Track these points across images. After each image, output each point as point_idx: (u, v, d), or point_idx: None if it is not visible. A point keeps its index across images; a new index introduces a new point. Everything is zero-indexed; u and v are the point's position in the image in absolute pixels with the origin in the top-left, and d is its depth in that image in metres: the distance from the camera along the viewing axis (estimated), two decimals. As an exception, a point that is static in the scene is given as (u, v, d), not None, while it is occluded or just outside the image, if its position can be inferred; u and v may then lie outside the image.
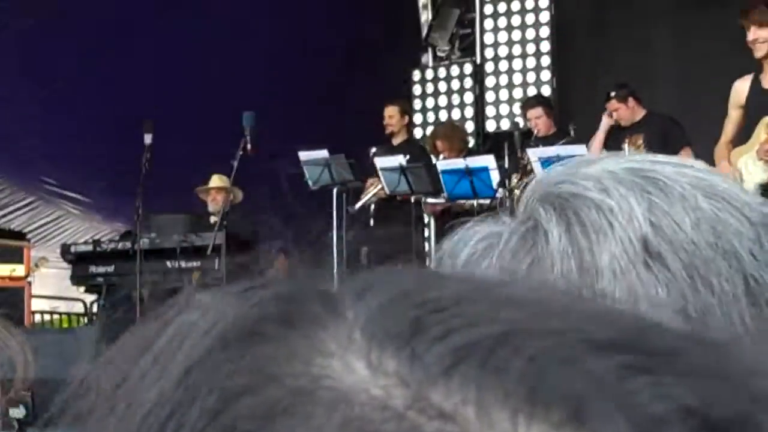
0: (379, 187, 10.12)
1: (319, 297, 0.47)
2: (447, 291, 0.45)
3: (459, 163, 9.55)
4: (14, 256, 9.78)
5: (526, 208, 0.98)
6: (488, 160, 9.59)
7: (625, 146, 9.02)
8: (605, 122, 9.47)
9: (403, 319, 0.44)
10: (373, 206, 10.57)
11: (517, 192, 9.41)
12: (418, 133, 12.35)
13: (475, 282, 0.51)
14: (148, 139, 8.95)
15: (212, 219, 10.49)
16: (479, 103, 12.35)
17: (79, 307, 13.38)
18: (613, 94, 9.58)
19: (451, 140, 10.42)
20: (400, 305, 0.45)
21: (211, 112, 12.87)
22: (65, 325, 14.57)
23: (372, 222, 10.67)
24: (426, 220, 11.81)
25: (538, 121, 9.95)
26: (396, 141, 10.79)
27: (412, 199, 10.26)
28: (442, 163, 9.86)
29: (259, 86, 12.99)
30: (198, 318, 0.48)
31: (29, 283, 10.67)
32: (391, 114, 10.77)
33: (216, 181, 10.71)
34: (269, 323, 0.46)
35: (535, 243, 0.95)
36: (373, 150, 10.81)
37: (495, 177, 9.37)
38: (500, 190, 9.39)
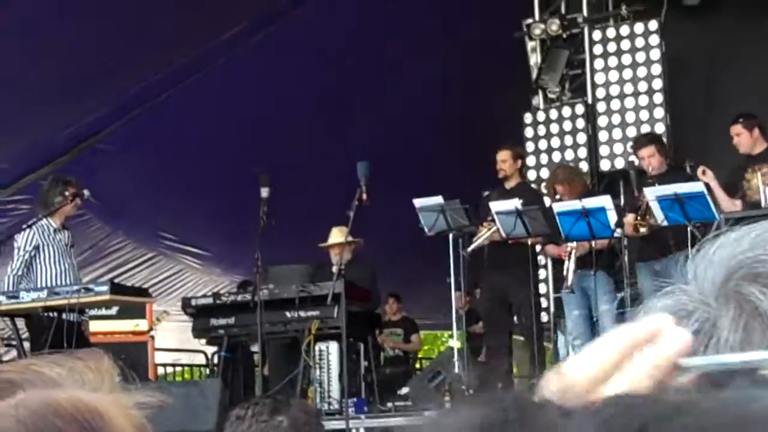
0: (493, 229, 10.10)
1: (550, 404, 0.54)
2: (669, 400, 0.49)
3: (575, 204, 9.49)
4: (138, 311, 9.95)
5: (724, 287, 0.82)
6: (605, 201, 9.52)
7: (758, 176, 9.00)
8: (711, 178, 9.34)
9: (630, 425, 0.47)
10: (486, 249, 10.55)
11: (642, 230, 9.34)
12: (531, 175, 12.31)
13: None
14: (264, 192, 9.07)
15: (333, 268, 10.57)
16: (592, 143, 12.26)
17: (200, 359, 13.58)
18: (741, 119, 9.51)
19: (572, 184, 10.32)
20: (626, 413, 0.51)
21: (326, 163, 13.02)
22: (187, 376, 14.78)
23: (486, 265, 10.66)
24: (543, 261, 11.75)
25: (652, 159, 9.84)
26: (509, 184, 10.77)
27: (529, 242, 10.21)
28: (558, 205, 9.81)
29: (371, 135, 13.10)
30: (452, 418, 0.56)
31: (152, 338, 10.85)
32: (504, 158, 10.75)
33: (337, 235, 10.76)
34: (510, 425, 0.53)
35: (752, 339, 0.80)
36: (486, 193, 10.80)
37: (612, 217, 9.32)
38: (618, 230, 9.33)
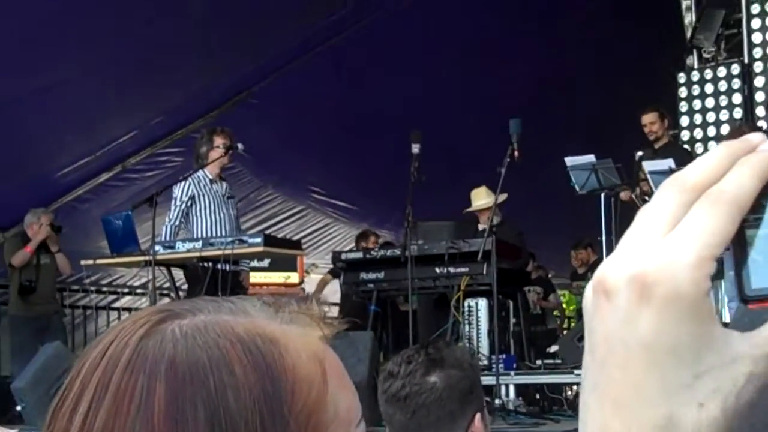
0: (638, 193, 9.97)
1: None
2: None
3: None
4: (289, 263, 10.07)
5: None
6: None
7: None
8: None
9: None
10: (639, 210, 10.39)
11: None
12: (684, 135, 12.09)
13: None
14: (415, 148, 9.07)
15: (480, 226, 10.56)
16: (748, 104, 11.97)
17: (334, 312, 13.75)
18: None
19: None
20: None
21: (477, 120, 12.98)
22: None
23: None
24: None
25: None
26: (658, 144, 10.59)
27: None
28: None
29: (522, 92, 13.01)
30: None
31: (303, 290, 10.99)
32: (652, 120, 10.58)
33: (480, 198, 10.72)
34: None
35: None
36: (639, 154, 10.65)
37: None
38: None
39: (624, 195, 10.15)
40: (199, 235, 9.41)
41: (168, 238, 9.47)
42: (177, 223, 9.58)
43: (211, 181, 9.63)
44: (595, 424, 0.64)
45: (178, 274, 9.73)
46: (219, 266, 8.98)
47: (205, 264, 9.16)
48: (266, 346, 1.01)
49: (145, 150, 13.58)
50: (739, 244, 0.64)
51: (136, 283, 13.81)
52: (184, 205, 9.56)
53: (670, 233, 0.63)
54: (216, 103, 13.60)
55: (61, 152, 12.75)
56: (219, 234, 9.42)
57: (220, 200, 9.65)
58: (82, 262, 10.10)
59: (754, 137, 0.66)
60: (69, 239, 11.77)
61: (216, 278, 8.86)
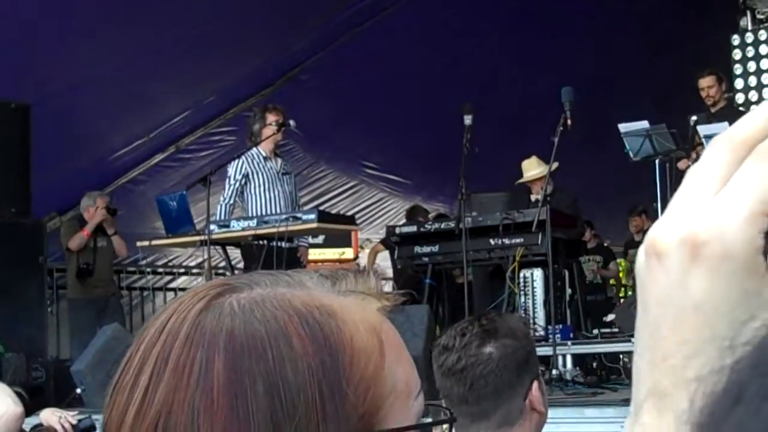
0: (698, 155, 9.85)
1: None
2: None
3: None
4: (343, 239, 10.11)
5: None
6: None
7: None
8: None
9: None
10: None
11: None
12: (739, 98, 11.94)
13: None
14: (468, 120, 9.02)
15: (532, 197, 10.51)
16: (803, 64, 11.81)
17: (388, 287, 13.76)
18: None
19: None
20: None
21: (528, 90, 12.91)
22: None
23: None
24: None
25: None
26: (714, 108, 10.46)
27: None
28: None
29: (575, 59, 12.92)
30: None
31: (357, 265, 10.99)
32: (710, 84, 10.46)
33: (532, 168, 10.66)
34: None
35: None
36: (694, 118, 10.52)
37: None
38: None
39: (682, 164, 10.04)
40: (255, 213, 9.44)
41: (223, 217, 9.51)
42: (231, 201, 9.62)
43: (265, 158, 9.66)
44: (649, 387, 0.64)
45: (234, 252, 9.77)
46: (274, 243, 9.00)
47: (260, 242, 9.19)
48: (324, 319, 1.01)
49: (198, 130, 13.66)
50: None
51: (192, 263, 13.90)
52: (238, 184, 9.59)
53: (721, 192, 0.62)
54: (267, 81, 13.63)
55: (115, 135, 12.85)
56: (274, 211, 9.44)
57: (274, 177, 9.67)
58: (138, 244, 10.18)
59: None
60: (124, 221, 11.87)
61: (272, 256, 8.88)
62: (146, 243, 10.07)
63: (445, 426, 1.17)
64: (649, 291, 0.64)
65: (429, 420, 1.14)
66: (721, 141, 0.64)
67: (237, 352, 0.98)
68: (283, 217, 9.04)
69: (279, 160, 9.82)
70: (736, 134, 0.64)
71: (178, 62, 11.90)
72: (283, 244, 9.04)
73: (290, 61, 13.61)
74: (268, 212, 9.42)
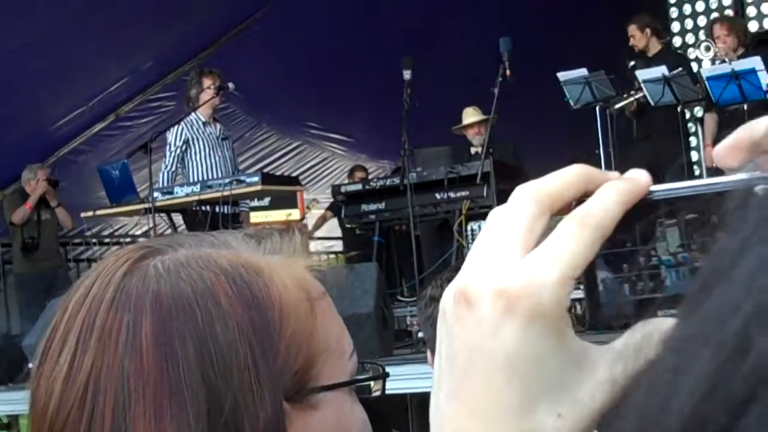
0: (639, 95, 9.91)
1: None
2: None
3: (724, 68, 9.23)
4: (289, 201, 10.03)
5: None
6: (755, 62, 9.20)
7: None
8: None
9: None
10: (635, 122, 10.35)
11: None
12: (676, 41, 12.01)
13: None
14: (407, 75, 9.00)
15: (472, 150, 10.53)
16: (739, 4, 11.88)
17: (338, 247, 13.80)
18: None
19: (732, 26, 9.92)
20: None
21: (466, 42, 12.88)
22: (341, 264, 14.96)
23: (635, 135, 10.46)
24: (693, 129, 11.50)
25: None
26: (651, 52, 10.49)
27: (678, 109, 9.97)
28: (706, 69, 9.56)
29: (513, 10, 12.89)
30: None
31: (305, 226, 10.98)
32: (631, 33, 10.45)
33: (470, 115, 10.71)
34: None
35: None
36: (632, 63, 10.56)
37: (764, 78, 9.02)
38: (771, 90, 9.05)
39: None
40: (196, 179, 9.39)
41: (166, 184, 9.45)
42: (173, 168, 9.56)
43: (204, 124, 9.59)
44: (451, 428, 0.65)
45: (179, 219, 9.72)
46: (218, 209, 8.96)
47: (205, 207, 9.15)
48: (251, 277, 1.01)
49: (137, 97, 13.53)
50: (590, 270, 0.66)
51: (138, 232, 13.80)
52: (178, 150, 9.53)
53: (536, 250, 0.64)
54: (204, 44, 13.50)
55: (53, 106, 12.69)
56: (216, 176, 9.39)
57: (215, 142, 9.61)
58: (83, 215, 10.10)
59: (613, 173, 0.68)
60: (67, 192, 11.76)
61: (216, 221, 8.84)
62: (90, 213, 10.00)
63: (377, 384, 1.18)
64: (457, 336, 0.65)
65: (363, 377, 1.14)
66: (527, 192, 0.67)
67: (164, 314, 0.98)
68: (227, 180, 9.00)
69: (218, 125, 9.76)
70: (543, 187, 0.67)
71: (112, 28, 11.74)
72: (227, 209, 9.00)
73: (227, 23, 13.49)
74: (211, 177, 9.37)
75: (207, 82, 9.54)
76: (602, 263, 0.66)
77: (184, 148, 9.53)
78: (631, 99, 10.04)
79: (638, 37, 10.45)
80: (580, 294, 0.68)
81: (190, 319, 0.98)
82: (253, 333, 0.98)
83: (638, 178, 0.67)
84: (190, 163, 9.54)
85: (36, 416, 1.02)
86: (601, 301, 0.68)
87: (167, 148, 9.60)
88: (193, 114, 9.56)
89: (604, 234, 0.65)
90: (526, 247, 0.65)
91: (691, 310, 0.50)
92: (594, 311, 0.68)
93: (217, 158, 9.57)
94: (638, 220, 0.66)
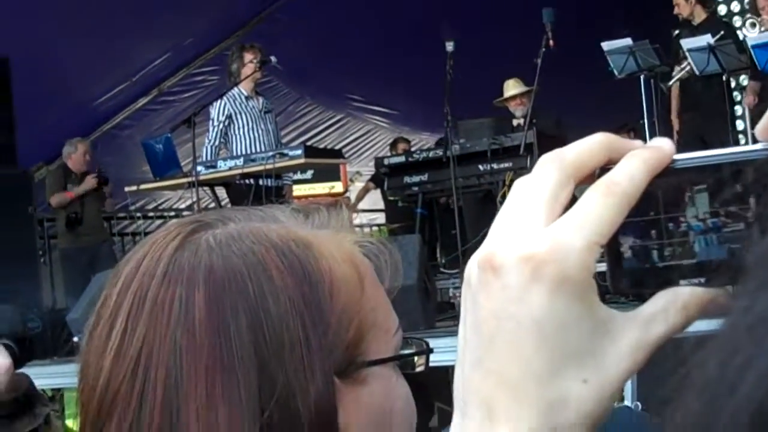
0: (686, 68, 9.82)
1: None
2: None
3: (770, 35, 9.12)
4: (332, 173, 10.07)
5: None
6: (801, 29, 9.11)
7: None
8: None
9: None
10: (680, 87, 10.28)
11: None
12: (722, 10, 11.87)
13: None
14: (449, 46, 8.95)
15: (514, 122, 10.49)
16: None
17: (381, 219, 13.78)
18: None
19: None
20: None
21: (508, 14, 12.81)
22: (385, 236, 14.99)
23: (681, 105, 10.37)
24: (738, 98, 11.38)
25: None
26: (696, 21, 10.37)
27: (724, 77, 9.87)
28: (752, 38, 9.44)
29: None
30: None
31: (348, 198, 10.98)
32: (677, 1, 10.32)
33: (512, 87, 10.66)
34: None
35: None
36: (676, 32, 10.46)
37: (811, 46, 8.92)
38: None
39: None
40: (240, 153, 9.41)
41: (209, 158, 9.48)
42: (216, 143, 9.58)
43: (247, 98, 9.60)
44: (479, 399, 0.65)
45: (223, 193, 9.75)
46: (261, 182, 8.97)
47: (248, 181, 9.17)
48: (301, 251, 1.01)
49: (180, 71, 13.59)
50: (614, 239, 0.66)
51: (182, 206, 13.87)
52: (221, 125, 9.55)
53: (563, 217, 0.65)
54: (245, 19, 13.52)
55: (97, 82, 12.77)
56: (259, 150, 9.40)
57: (257, 116, 9.62)
58: (127, 189, 10.16)
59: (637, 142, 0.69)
60: (112, 167, 11.83)
61: (260, 194, 8.85)
62: (134, 188, 10.05)
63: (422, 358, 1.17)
64: (482, 304, 0.65)
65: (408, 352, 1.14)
66: (553, 160, 0.67)
67: (217, 288, 0.98)
68: (270, 154, 9.00)
69: (261, 99, 9.77)
70: (568, 156, 0.67)
71: (153, 5, 11.78)
72: (270, 182, 9.01)
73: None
74: (253, 151, 9.38)
75: (248, 56, 9.54)
76: (628, 231, 0.67)
77: (227, 122, 9.55)
78: (683, 72, 9.95)
79: (683, 5, 10.33)
80: (603, 267, 0.67)
81: (242, 293, 0.98)
82: (304, 307, 0.98)
83: (663, 146, 0.67)
84: (234, 137, 9.56)
85: (86, 390, 1.03)
86: (623, 269, 0.68)
87: (210, 122, 9.63)
88: (235, 88, 9.58)
89: (630, 202, 0.65)
90: (551, 215, 0.65)
91: (764, 285, 0.50)
92: (616, 280, 0.68)
93: (260, 132, 9.58)
94: (661, 189, 0.67)
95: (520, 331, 0.63)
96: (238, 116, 9.55)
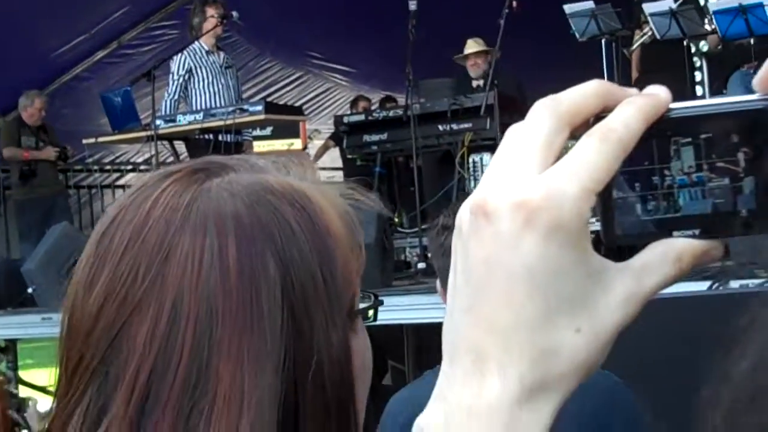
0: (648, 32, 9.85)
1: None
2: None
3: (732, 1, 9.15)
4: (292, 130, 9.99)
5: None
6: (763, -5, 9.14)
7: None
8: None
9: None
10: (640, 52, 10.31)
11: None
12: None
13: None
14: (412, 5, 8.91)
15: (473, 83, 10.48)
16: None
17: (339, 177, 13.74)
18: None
19: None
20: None
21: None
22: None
23: (641, 67, 10.41)
24: (698, 63, 11.42)
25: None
26: (659, -14, 10.41)
27: (685, 43, 9.91)
28: (714, 3, 9.48)
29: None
30: None
31: (307, 155, 10.94)
32: None
33: (472, 46, 10.66)
34: None
35: None
36: (638, -5, 10.49)
37: (772, 12, 8.97)
38: (778, 25, 8.99)
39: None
40: (199, 108, 9.36)
41: (169, 112, 9.43)
42: (176, 97, 9.54)
43: (208, 53, 9.56)
44: (469, 347, 0.64)
45: (181, 147, 9.70)
46: (221, 137, 8.94)
47: (207, 136, 9.12)
48: (307, 204, 1.03)
49: (140, 25, 13.45)
50: (607, 189, 0.65)
51: (139, 160, 13.79)
52: (181, 79, 9.51)
53: (557, 164, 0.64)
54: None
55: (55, 33, 12.62)
56: (219, 105, 9.36)
57: (218, 71, 9.59)
58: (84, 141, 10.08)
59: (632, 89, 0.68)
60: (69, 119, 11.75)
61: (219, 149, 8.82)
62: (92, 140, 9.98)
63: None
64: (474, 251, 0.64)
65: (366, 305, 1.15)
66: (548, 106, 0.66)
67: (247, 236, 0.98)
68: (230, 109, 8.98)
69: (222, 54, 9.73)
70: (563, 102, 0.66)
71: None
72: (230, 138, 8.98)
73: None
74: (213, 106, 9.35)
75: (210, 11, 9.50)
76: (619, 182, 0.66)
77: (187, 76, 9.51)
78: (645, 37, 9.98)
79: None
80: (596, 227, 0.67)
81: (270, 241, 0.98)
82: (320, 257, 1.00)
83: (659, 94, 0.67)
84: (194, 91, 9.53)
85: (77, 337, 1.01)
86: (616, 220, 0.67)
87: (170, 76, 9.59)
88: (196, 43, 9.53)
89: (626, 150, 0.64)
90: (545, 162, 0.64)
91: None
92: (608, 231, 0.67)
93: (220, 87, 9.54)
94: (655, 138, 0.67)
95: (511, 279, 0.62)
96: (199, 70, 9.51)
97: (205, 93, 9.50)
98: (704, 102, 0.67)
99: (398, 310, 6.16)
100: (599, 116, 0.66)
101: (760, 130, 0.65)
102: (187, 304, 0.96)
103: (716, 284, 4.99)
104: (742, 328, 0.54)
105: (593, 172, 0.63)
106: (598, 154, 0.63)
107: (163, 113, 9.39)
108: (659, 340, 3.45)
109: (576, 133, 0.66)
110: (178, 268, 0.97)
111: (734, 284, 4.95)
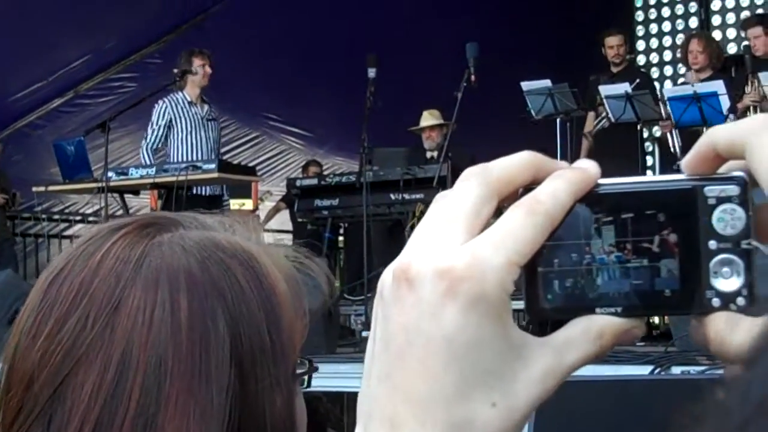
0: (603, 115, 9.97)
1: None
2: None
3: (687, 89, 9.30)
4: (244, 190, 10.01)
5: None
6: (717, 85, 9.28)
7: None
8: None
9: None
10: (594, 135, 10.43)
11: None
12: (641, 60, 12.08)
13: None
14: (371, 73, 8.97)
15: (428, 154, 10.54)
16: (705, 28, 11.97)
17: (288, 240, 13.70)
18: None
19: (708, 43, 9.99)
20: None
21: (433, 45, 12.89)
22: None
23: (594, 151, 10.50)
24: (650, 148, 11.58)
25: (757, 41, 9.60)
26: (617, 68, 10.54)
27: (638, 126, 10.02)
28: (669, 90, 9.65)
29: (481, 17, 12.92)
30: None
31: (257, 217, 10.93)
32: (620, 43, 10.48)
33: (428, 118, 10.72)
34: None
35: None
36: (593, 77, 10.62)
37: (725, 102, 9.09)
38: (731, 115, 9.11)
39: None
40: (179, 159, 9.37)
41: (145, 160, 9.43)
42: (154, 146, 9.61)
43: (190, 103, 9.63)
44: (384, 416, 0.63)
45: (132, 201, 9.66)
46: (194, 191, 9.03)
47: (161, 191, 9.12)
48: (254, 263, 1.03)
49: (99, 75, 13.42)
50: (532, 262, 0.65)
51: (89, 211, 13.68)
52: (160, 129, 9.56)
53: (483, 234, 0.63)
54: (169, 27, 13.42)
55: (12, 78, 12.55)
56: (198, 157, 9.39)
57: (199, 123, 9.62)
58: (34, 189, 10.02)
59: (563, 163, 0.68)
60: (21, 166, 11.65)
61: (170, 205, 8.79)
62: (42, 188, 9.92)
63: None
64: (394, 317, 0.63)
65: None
66: (476, 175, 0.66)
67: (200, 292, 0.98)
68: (183, 166, 8.96)
69: (206, 106, 9.78)
70: (493, 172, 0.66)
71: (76, 5, 11.64)
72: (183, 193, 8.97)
73: (193, 8, 13.42)
74: (191, 158, 9.35)
75: (197, 62, 9.61)
76: (544, 255, 0.65)
77: (166, 127, 9.54)
78: (604, 121, 10.08)
79: (624, 49, 10.46)
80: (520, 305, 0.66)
81: (221, 299, 0.98)
82: (266, 316, 1.00)
83: (588, 168, 0.66)
84: (173, 142, 9.59)
85: (17, 390, 0.99)
86: (540, 294, 0.66)
87: (150, 125, 9.62)
88: (179, 93, 9.58)
89: (553, 223, 0.64)
90: (472, 231, 0.63)
91: None
92: (532, 304, 0.66)
93: (199, 138, 9.59)
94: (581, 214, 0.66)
95: (430, 348, 0.61)
96: (179, 121, 9.56)
97: (183, 144, 9.55)
98: (633, 179, 0.67)
99: (341, 377, 6.12)
100: (528, 188, 0.65)
101: (686, 209, 0.65)
102: (137, 357, 0.95)
103: (658, 369, 5.01)
104: (691, 415, 0.53)
105: (519, 244, 0.62)
106: (524, 226, 0.63)
107: (142, 161, 9.48)
108: (607, 421, 3.46)
109: (504, 203, 0.65)
110: (129, 320, 0.96)
111: (676, 370, 4.97)
